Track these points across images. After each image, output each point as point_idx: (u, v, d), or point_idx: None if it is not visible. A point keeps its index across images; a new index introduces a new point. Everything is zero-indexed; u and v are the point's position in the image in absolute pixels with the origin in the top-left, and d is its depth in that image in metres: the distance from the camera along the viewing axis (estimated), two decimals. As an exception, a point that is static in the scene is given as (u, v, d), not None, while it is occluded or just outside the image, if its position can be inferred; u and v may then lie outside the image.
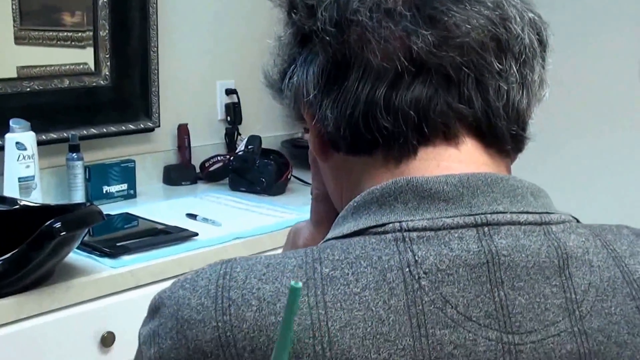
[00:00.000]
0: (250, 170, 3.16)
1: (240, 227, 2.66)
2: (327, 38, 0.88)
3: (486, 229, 0.81)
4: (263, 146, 3.25)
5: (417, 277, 0.78)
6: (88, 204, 2.30)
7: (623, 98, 3.34)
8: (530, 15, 0.91)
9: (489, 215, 0.81)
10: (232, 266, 0.82)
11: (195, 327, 0.79)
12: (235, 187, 3.19)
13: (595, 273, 0.81)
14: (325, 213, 1.07)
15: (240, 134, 3.44)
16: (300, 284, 0.55)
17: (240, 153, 3.21)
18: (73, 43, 3.00)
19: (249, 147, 3.20)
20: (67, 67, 2.98)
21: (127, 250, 2.36)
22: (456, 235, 0.80)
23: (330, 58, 0.89)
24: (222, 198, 3.05)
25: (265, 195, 3.11)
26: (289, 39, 0.96)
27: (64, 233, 1.95)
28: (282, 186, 3.17)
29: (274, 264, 0.81)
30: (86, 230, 2.12)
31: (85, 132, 2.96)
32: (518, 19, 0.89)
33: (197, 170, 3.32)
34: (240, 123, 3.45)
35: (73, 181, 2.83)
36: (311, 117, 0.93)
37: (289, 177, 3.20)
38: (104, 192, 2.95)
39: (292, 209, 2.90)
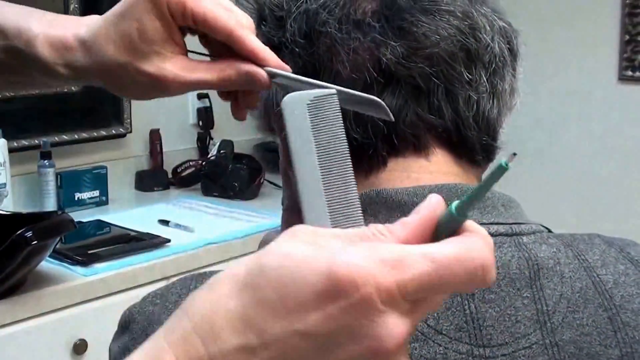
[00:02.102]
0: (223, 175, 3.14)
1: (212, 232, 2.64)
2: (297, 49, 0.88)
3: None
4: (236, 150, 3.23)
5: (387, 291, 0.77)
6: (59, 212, 2.29)
7: (601, 102, 3.35)
8: (501, 24, 0.91)
9: None
10: (203, 281, 0.81)
11: None
12: (207, 192, 3.17)
13: (567, 284, 0.81)
14: (296, 223, 1.05)
15: (212, 139, 3.42)
16: (509, 165, 0.53)
17: (212, 158, 3.19)
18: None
19: (221, 151, 3.18)
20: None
21: (98, 258, 2.34)
22: None
23: (300, 69, 0.88)
24: (194, 203, 3.03)
25: (238, 200, 3.09)
26: None
27: (35, 242, 1.94)
28: (255, 190, 3.16)
29: (244, 278, 0.80)
30: (57, 239, 2.10)
31: (56, 138, 2.93)
32: (488, 28, 0.88)
33: (170, 175, 3.30)
34: (212, 127, 3.42)
35: (45, 188, 2.80)
36: (280, 128, 0.92)
37: (261, 181, 3.19)
38: (76, 199, 2.92)
39: (265, 213, 2.88)
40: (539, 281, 0.80)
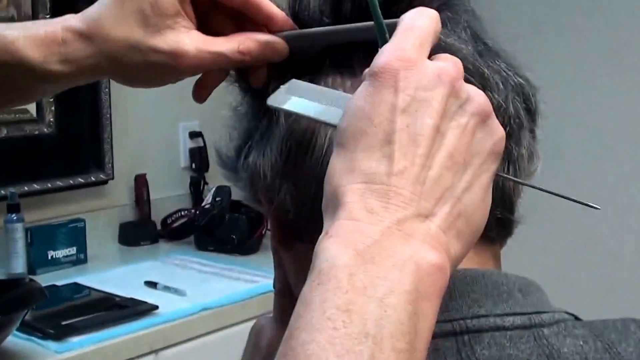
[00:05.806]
0: (219, 226, 3.14)
1: (208, 295, 2.64)
2: None
3: (466, 337, 0.80)
4: (233, 197, 3.22)
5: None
6: (28, 279, 2.28)
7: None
8: (517, 79, 0.89)
9: (469, 321, 0.80)
10: None
11: None
12: (202, 246, 3.18)
13: (596, 384, 0.80)
14: (291, 309, 1.05)
15: (207, 184, 3.43)
16: None
17: (206, 206, 3.20)
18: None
19: (217, 199, 3.18)
20: (5, 114, 2.95)
21: (74, 330, 2.33)
22: (432, 347, 0.79)
23: (291, 133, 0.88)
24: (187, 260, 3.04)
25: (236, 255, 3.10)
26: (245, 108, 0.95)
27: (-2, 317, 1.94)
28: (256, 244, 3.16)
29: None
30: (25, 312, 2.10)
31: (26, 188, 2.94)
32: (501, 87, 0.87)
33: (158, 227, 3.30)
34: (207, 170, 3.43)
35: (12, 247, 2.78)
36: (269, 202, 0.91)
37: (263, 233, 3.17)
38: (49, 258, 2.92)
39: (268, 270, 2.85)
40: (563, 382, 0.79)
